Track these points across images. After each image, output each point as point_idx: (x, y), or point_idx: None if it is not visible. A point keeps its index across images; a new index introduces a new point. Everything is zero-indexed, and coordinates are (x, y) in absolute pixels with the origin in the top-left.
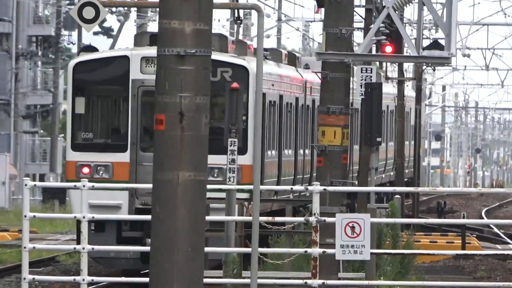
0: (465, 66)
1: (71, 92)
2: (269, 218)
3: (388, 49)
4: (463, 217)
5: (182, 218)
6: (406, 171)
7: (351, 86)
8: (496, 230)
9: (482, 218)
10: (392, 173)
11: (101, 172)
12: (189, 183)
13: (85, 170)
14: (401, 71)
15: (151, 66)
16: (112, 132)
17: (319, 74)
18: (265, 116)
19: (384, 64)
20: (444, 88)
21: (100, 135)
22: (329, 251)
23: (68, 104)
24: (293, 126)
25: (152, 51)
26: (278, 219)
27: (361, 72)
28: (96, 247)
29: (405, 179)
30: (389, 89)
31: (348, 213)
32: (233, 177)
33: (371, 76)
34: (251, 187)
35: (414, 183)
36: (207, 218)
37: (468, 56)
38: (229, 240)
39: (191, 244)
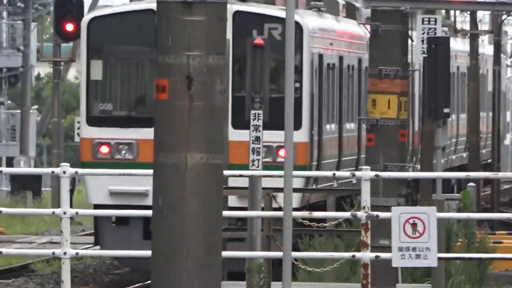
0: None
1: (85, 54)
2: (306, 213)
3: None
4: None
5: (192, 213)
6: (483, 151)
7: (409, 42)
8: None
9: None
10: (464, 155)
11: (123, 151)
12: (201, 167)
13: (104, 149)
14: (474, 23)
15: None
16: (136, 103)
17: (368, 26)
18: (323, 82)
19: (452, 12)
20: None
21: (122, 107)
22: (383, 255)
23: (82, 68)
24: (355, 94)
25: None
26: (317, 214)
27: (423, 23)
28: (84, 252)
29: (482, 162)
30: (459, 45)
31: (408, 206)
32: (258, 160)
33: (435, 29)
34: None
35: (494, 167)
36: (225, 213)
37: None
38: (253, 241)
39: (204, 247)
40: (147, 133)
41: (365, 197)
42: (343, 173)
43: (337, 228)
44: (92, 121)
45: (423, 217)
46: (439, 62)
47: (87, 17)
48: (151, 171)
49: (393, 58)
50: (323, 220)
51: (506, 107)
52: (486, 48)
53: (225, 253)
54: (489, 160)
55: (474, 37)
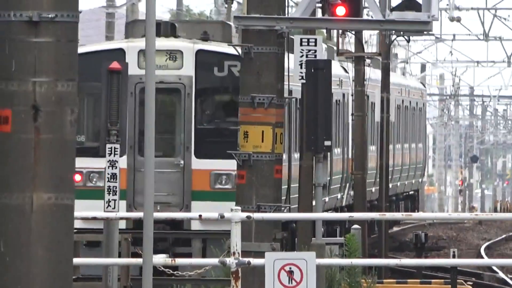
0: (454, 35)
1: None
2: (168, 261)
3: (341, 10)
4: (453, 256)
5: (38, 260)
6: (372, 190)
7: (286, 66)
8: (501, 274)
9: (482, 257)
10: (340, 195)
11: (94, 179)
12: (49, 208)
13: (77, 177)
14: (360, 44)
15: None
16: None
17: (239, 48)
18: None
19: (334, 32)
20: (423, 67)
21: (93, 138)
22: None
23: None
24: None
25: None
26: (180, 261)
27: (301, 45)
28: None
29: (368, 202)
30: (341, 70)
31: (283, 251)
32: (114, 201)
33: (315, 51)
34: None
35: (381, 207)
36: (76, 261)
37: (458, 20)
38: None
39: None
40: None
41: (235, 241)
42: (210, 214)
43: (204, 277)
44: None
45: (300, 264)
46: (319, 88)
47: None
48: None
49: (268, 84)
50: (189, 267)
51: (398, 139)
52: (374, 72)
53: None
54: (377, 200)
55: (359, 61)
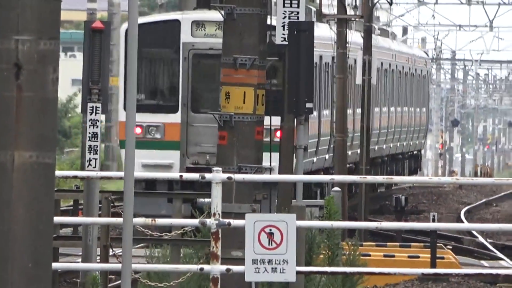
0: None
1: (123, 55)
2: (148, 220)
3: None
4: (433, 220)
5: (19, 219)
6: (350, 152)
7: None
8: (481, 238)
9: (461, 222)
10: (329, 156)
11: (152, 132)
12: (30, 167)
13: (137, 130)
14: (342, 6)
15: (201, 30)
16: (163, 94)
17: (222, 10)
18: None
19: None
20: (405, 30)
21: (152, 97)
22: (235, 268)
23: (120, 67)
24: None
25: (201, 15)
26: (161, 221)
27: (283, 6)
28: None
29: (349, 165)
30: (325, 32)
31: (264, 213)
32: (95, 160)
33: (297, 13)
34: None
35: (361, 170)
36: (57, 219)
37: None
38: (88, 251)
39: (32, 257)
40: (172, 118)
41: (216, 203)
42: (191, 175)
43: (183, 236)
44: None
45: (281, 226)
46: (301, 50)
47: (124, 25)
48: None
49: (250, 46)
50: (168, 228)
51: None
52: (355, 35)
53: (56, 265)
54: (357, 163)
55: (342, 23)
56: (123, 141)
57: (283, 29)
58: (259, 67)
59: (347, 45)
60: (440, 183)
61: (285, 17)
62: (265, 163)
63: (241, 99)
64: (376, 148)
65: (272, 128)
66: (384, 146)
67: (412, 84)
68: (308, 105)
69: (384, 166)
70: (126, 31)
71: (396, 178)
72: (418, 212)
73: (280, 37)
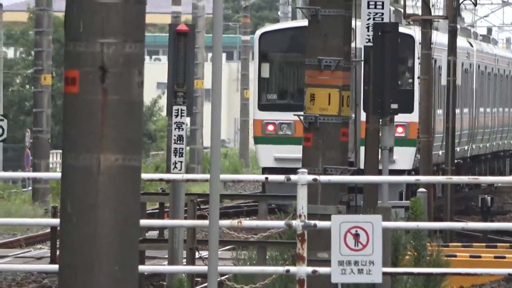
0: None
1: (257, 58)
2: (234, 222)
3: None
4: None
5: (105, 222)
6: (439, 153)
7: (353, 28)
8: None
9: None
10: (441, 152)
11: (284, 129)
12: (116, 170)
13: (270, 127)
14: (426, 7)
15: None
16: (294, 94)
17: (305, 11)
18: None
19: None
20: (490, 31)
21: (283, 97)
22: (322, 270)
23: (255, 69)
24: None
25: None
26: (247, 223)
27: (368, 7)
28: None
29: (435, 165)
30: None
31: (349, 214)
32: (180, 162)
33: (382, 14)
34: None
35: (447, 171)
36: (143, 222)
37: None
38: (175, 254)
39: (118, 261)
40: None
41: (301, 204)
42: (277, 177)
43: (269, 239)
44: (262, 107)
45: (366, 227)
46: (386, 51)
47: (258, 32)
48: None
49: (335, 47)
50: (254, 230)
51: (465, 103)
52: (441, 36)
53: (142, 268)
54: (443, 163)
55: (426, 24)
56: (257, 137)
57: (368, 31)
58: (343, 69)
59: (432, 46)
60: None
61: (369, 18)
62: (396, 156)
63: (326, 100)
64: (480, 146)
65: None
66: (488, 145)
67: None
68: (393, 106)
69: (487, 164)
70: (261, 35)
71: (482, 178)
72: (505, 212)
73: (364, 38)
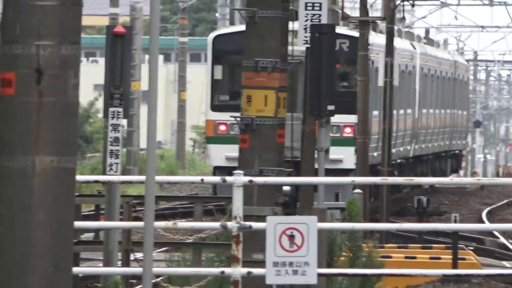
0: (459, 0)
1: (210, 60)
2: (169, 224)
3: None
4: (455, 221)
5: (40, 224)
6: (375, 154)
7: (291, 29)
8: (502, 239)
9: (483, 222)
10: (377, 154)
11: (235, 129)
12: (51, 172)
13: (222, 127)
14: (364, 8)
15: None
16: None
17: (242, 13)
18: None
19: None
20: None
21: (235, 98)
22: (256, 271)
23: (208, 71)
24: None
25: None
26: (182, 224)
27: (306, 9)
28: None
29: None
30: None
31: (285, 215)
32: (116, 164)
33: (320, 15)
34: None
35: (383, 172)
36: (78, 224)
37: None
38: (109, 256)
39: (53, 262)
40: None
41: (237, 206)
42: (212, 178)
43: (204, 240)
44: (214, 108)
45: (302, 228)
46: (323, 52)
47: (212, 35)
48: None
49: (272, 49)
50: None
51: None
52: (378, 37)
53: (77, 269)
54: (379, 164)
55: (364, 25)
56: (209, 137)
57: (305, 32)
58: (280, 70)
59: (369, 46)
60: (462, 184)
61: (307, 20)
62: (332, 155)
63: (262, 102)
64: (423, 146)
65: (342, 125)
66: (430, 145)
67: (455, 89)
68: (330, 107)
69: (429, 164)
70: (214, 38)
71: (417, 180)
72: (440, 213)
73: (302, 39)
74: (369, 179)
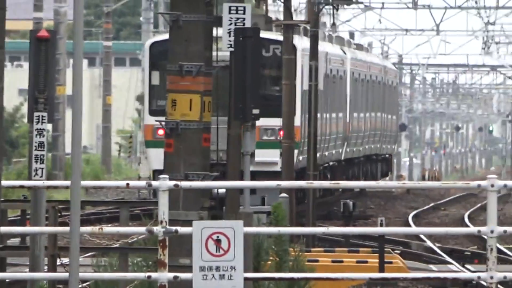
0: (383, 4)
1: (147, 67)
2: (95, 229)
3: None
4: (381, 225)
5: None
6: (300, 158)
7: (215, 34)
8: (429, 243)
9: (409, 226)
10: (298, 158)
11: None
12: None
13: (160, 132)
14: (288, 12)
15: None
16: None
17: (166, 16)
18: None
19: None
20: (352, 35)
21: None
22: (183, 276)
23: (145, 76)
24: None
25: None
26: (108, 229)
27: (229, 12)
28: None
29: (297, 170)
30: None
31: (211, 220)
32: (41, 169)
33: (244, 19)
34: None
35: (309, 176)
36: (4, 229)
37: None
38: (36, 261)
39: None
40: None
41: (163, 210)
42: (138, 183)
43: (131, 245)
44: (152, 113)
45: (228, 233)
46: (247, 56)
47: (149, 41)
48: None
49: (196, 53)
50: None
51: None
52: (302, 41)
53: (3, 275)
54: (305, 168)
55: (288, 29)
56: (148, 141)
57: (229, 36)
58: (205, 74)
59: (295, 50)
60: (388, 188)
61: (231, 23)
62: (268, 158)
63: (187, 106)
64: (354, 149)
65: (277, 128)
66: (361, 148)
67: (384, 93)
68: (255, 111)
69: (360, 167)
70: (151, 45)
71: (343, 183)
72: (366, 217)
73: (226, 43)
74: (295, 183)
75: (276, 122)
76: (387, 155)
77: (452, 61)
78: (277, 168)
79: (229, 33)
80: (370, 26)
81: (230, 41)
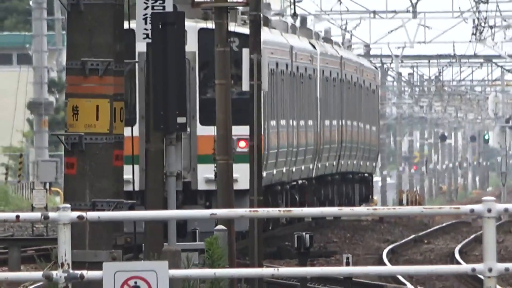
0: None
1: None
2: None
3: None
4: (347, 264)
5: None
6: (274, 171)
7: (126, 22)
8: (409, 286)
9: (384, 265)
10: (291, 169)
11: None
12: None
13: None
14: None
15: None
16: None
17: (63, 0)
18: None
19: None
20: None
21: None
22: None
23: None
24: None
25: None
26: None
27: None
28: None
29: (279, 185)
30: (278, 37)
31: (127, 261)
32: None
33: (163, 1)
34: None
35: (253, 202)
36: None
37: None
38: None
39: None
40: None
41: (64, 249)
42: (31, 215)
43: None
44: None
45: (148, 277)
46: (169, 49)
47: None
48: None
49: (103, 45)
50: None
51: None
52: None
53: None
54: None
55: (222, 13)
56: None
57: (145, 23)
58: (115, 73)
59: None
60: (354, 215)
61: (147, 7)
62: (236, 174)
63: (93, 114)
64: (327, 164)
65: (235, 138)
66: (335, 163)
67: (361, 98)
68: (180, 119)
69: (334, 187)
70: None
71: (295, 211)
72: (328, 254)
73: (141, 33)
74: (235, 211)
75: (234, 131)
76: (366, 174)
77: (434, 51)
78: (242, 186)
79: (145, 19)
80: (327, 8)
81: (146, 29)
